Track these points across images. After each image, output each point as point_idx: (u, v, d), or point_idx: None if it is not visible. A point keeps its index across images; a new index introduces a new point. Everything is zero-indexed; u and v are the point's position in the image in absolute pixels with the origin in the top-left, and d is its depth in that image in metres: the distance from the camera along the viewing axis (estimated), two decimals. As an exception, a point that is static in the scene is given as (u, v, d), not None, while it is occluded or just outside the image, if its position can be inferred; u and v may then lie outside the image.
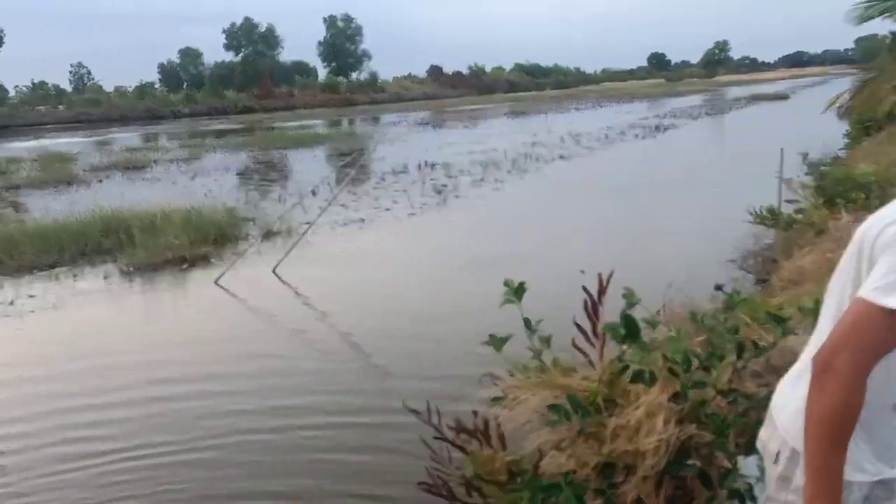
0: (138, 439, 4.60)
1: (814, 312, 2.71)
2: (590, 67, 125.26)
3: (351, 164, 17.68)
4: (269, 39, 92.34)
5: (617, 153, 20.19)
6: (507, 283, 2.52)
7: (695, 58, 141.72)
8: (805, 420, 1.42)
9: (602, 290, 2.63)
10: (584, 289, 2.66)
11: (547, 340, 2.66)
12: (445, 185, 14.94)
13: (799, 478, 1.49)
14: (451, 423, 2.62)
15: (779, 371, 3.45)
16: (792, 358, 3.44)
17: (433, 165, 18.39)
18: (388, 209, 12.56)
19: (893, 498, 1.50)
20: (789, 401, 1.59)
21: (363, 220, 11.60)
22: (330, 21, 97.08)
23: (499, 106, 55.95)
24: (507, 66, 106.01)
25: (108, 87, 76.17)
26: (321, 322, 7.00)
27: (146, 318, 7.52)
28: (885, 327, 1.32)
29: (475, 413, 2.56)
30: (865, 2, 7.08)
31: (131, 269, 9.00)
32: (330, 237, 10.44)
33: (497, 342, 2.76)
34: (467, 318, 6.62)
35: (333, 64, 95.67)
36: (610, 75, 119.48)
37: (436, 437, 2.80)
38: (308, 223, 10.17)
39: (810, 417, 1.41)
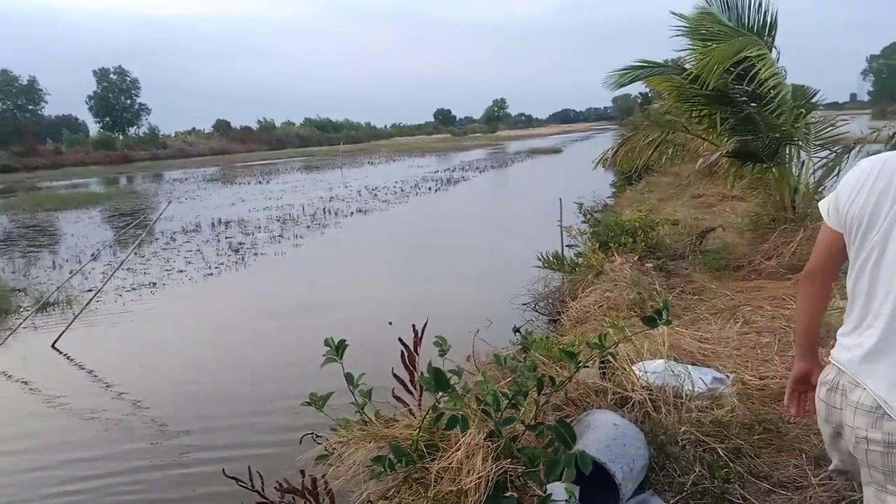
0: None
1: (599, 347, 3.06)
2: (380, 122, 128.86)
3: (137, 224, 16.65)
4: (31, 93, 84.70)
5: (413, 206, 20.90)
6: (327, 342, 2.57)
7: (477, 114, 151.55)
8: None
9: (417, 342, 2.76)
10: (401, 340, 2.78)
11: (368, 394, 2.73)
12: (242, 243, 14.53)
13: None
14: (276, 486, 2.59)
15: (576, 403, 3.80)
16: (586, 389, 3.82)
17: (227, 223, 17.83)
18: (181, 270, 11.94)
19: None
20: None
21: (154, 284, 10.91)
22: (101, 74, 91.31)
23: (291, 160, 55.63)
24: (298, 121, 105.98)
25: None
26: (111, 394, 6.45)
27: None
28: None
29: (302, 472, 2.55)
30: (619, 70, 8.14)
31: None
32: (117, 304, 9.68)
33: (317, 400, 2.78)
34: (275, 377, 6.51)
35: (107, 119, 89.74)
36: (399, 130, 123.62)
37: (259, 503, 2.74)
38: (91, 290, 9.38)
39: None
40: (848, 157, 7.57)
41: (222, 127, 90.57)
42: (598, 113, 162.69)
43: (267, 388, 6.22)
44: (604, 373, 4.00)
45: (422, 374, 2.80)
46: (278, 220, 17.97)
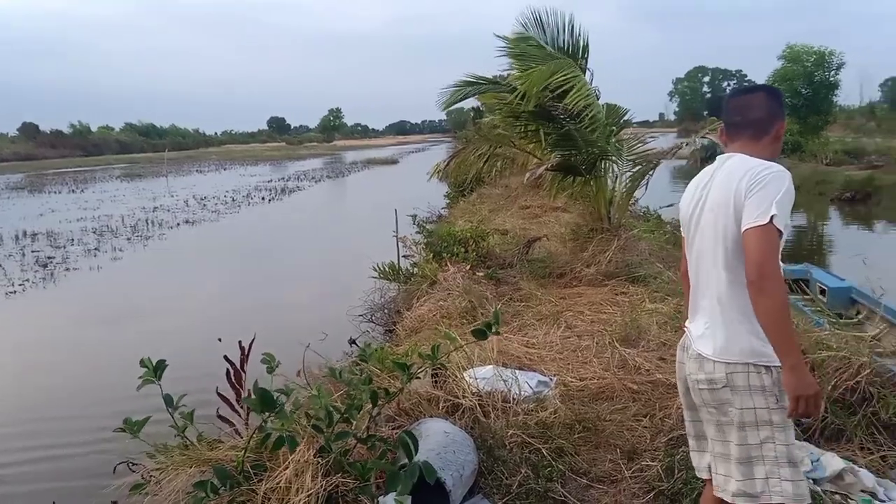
0: None
1: (431, 357, 3.11)
2: (210, 129, 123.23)
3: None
4: None
5: (245, 216, 20.20)
6: (144, 363, 2.40)
7: (313, 123, 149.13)
8: (765, 321, 1.95)
9: (244, 359, 2.66)
10: (226, 358, 2.67)
11: (190, 416, 2.58)
12: (52, 258, 13.30)
13: (774, 373, 2.04)
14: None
15: (409, 412, 3.83)
16: (418, 399, 3.86)
17: (34, 235, 16.29)
18: (-22, 289, 10.73)
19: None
20: (736, 339, 2.08)
21: (-56, 305, 9.73)
22: None
23: (111, 168, 52.00)
24: (117, 126, 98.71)
25: None
26: None
27: None
28: (775, 233, 1.95)
29: (114, 506, 2.37)
30: (450, 87, 8.37)
31: None
32: None
33: (132, 426, 2.60)
34: (83, 400, 6.04)
35: None
36: (231, 137, 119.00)
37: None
38: None
39: (770, 315, 1.94)
40: (653, 171, 8.25)
41: (29, 130, 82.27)
42: (434, 125, 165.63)
43: (73, 413, 5.74)
44: (436, 381, 4.06)
45: (249, 392, 2.70)
46: (94, 233, 16.67)
